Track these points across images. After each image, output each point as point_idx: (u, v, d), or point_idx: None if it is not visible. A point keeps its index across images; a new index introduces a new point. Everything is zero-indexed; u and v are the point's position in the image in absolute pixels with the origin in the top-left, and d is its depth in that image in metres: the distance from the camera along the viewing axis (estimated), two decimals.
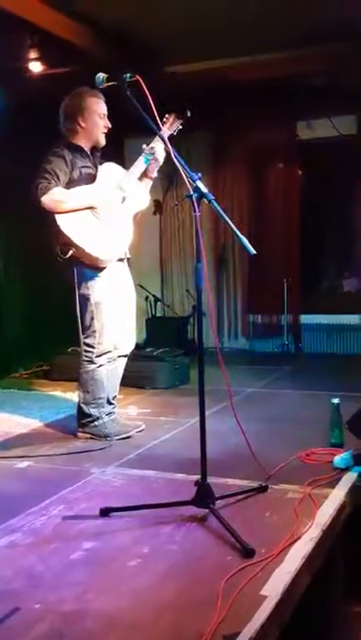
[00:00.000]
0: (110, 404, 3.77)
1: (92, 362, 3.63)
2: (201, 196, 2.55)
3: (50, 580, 2.08)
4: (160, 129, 2.78)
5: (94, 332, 3.60)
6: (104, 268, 3.55)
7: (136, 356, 5.97)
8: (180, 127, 3.64)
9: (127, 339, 3.79)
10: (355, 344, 6.83)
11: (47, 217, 3.44)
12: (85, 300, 3.57)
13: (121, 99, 2.66)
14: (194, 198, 2.54)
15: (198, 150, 6.77)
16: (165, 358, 5.28)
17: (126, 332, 3.78)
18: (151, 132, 2.82)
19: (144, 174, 3.69)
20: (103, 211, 3.49)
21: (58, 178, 3.43)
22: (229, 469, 2.98)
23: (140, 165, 3.64)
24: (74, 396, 4.86)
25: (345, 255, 7.29)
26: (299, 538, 2.27)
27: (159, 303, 7.21)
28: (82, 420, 3.69)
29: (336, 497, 2.65)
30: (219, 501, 2.51)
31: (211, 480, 2.50)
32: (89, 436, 3.65)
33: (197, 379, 2.56)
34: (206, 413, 2.58)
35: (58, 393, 5.03)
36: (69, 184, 3.50)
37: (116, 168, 3.68)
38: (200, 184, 2.56)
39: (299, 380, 5.37)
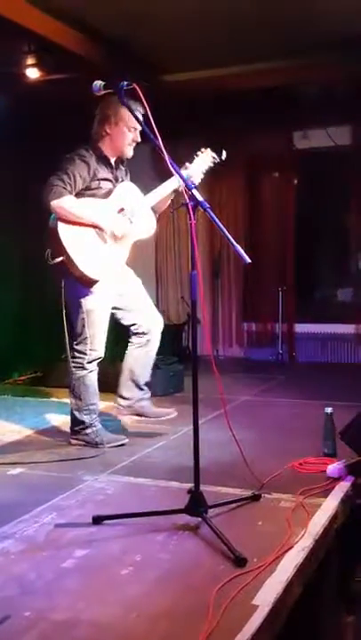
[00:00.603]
0: (141, 389, 3.78)
1: (83, 368, 3.62)
2: (197, 204, 2.56)
3: (41, 588, 2.07)
4: (157, 137, 2.79)
5: (85, 338, 3.58)
6: (93, 282, 3.49)
7: None
8: (212, 166, 3.65)
9: (154, 322, 3.78)
10: (349, 354, 6.84)
11: (48, 217, 3.42)
12: (77, 306, 3.55)
13: None
14: (189, 206, 2.55)
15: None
16: (160, 365, 5.27)
17: (150, 315, 3.78)
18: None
19: (164, 200, 3.67)
20: (107, 232, 3.49)
21: (74, 183, 3.39)
22: (223, 478, 2.98)
23: (168, 185, 3.60)
24: (68, 403, 4.87)
25: (340, 264, 7.31)
26: (291, 547, 2.27)
27: None
28: (74, 427, 3.68)
29: (329, 506, 2.65)
30: (211, 510, 2.51)
31: (204, 488, 2.50)
32: (82, 443, 3.64)
33: (192, 387, 2.56)
34: (200, 422, 2.58)
35: (52, 399, 5.03)
36: (85, 190, 3.47)
37: (133, 190, 3.64)
38: (196, 192, 2.57)
39: (293, 390, 5.37)
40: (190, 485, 2.50)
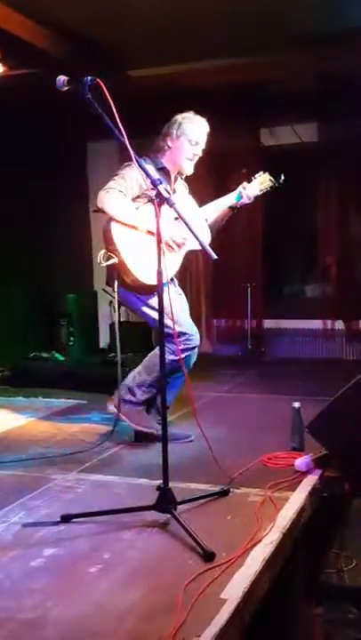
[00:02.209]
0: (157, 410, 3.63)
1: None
2: (163, 200, 2.55)
3: (9, 587, 2.05)
4: (122, 132, 2.77)
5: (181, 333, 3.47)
6: (146, 288, 3.40)
7: (100, 362, 5.96)
8: (268, 190, 3.77)
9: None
10: (317, 349, 6.92)
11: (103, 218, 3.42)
12: (147, 313, 3.51)
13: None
14: (155, 203, 2.54)
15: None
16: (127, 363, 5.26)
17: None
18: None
19: (220, 216, 3.76)
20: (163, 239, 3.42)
21: (130, 187, 3.37)
22: (192, 474, 2.98)
23: (225, 201, 3.71)
24: (36, 402, 4.84)
25: (308, 261, 7.38)
26: (259, 541, 2.29)
27: (123, 307, 7.16)
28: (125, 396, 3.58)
29: (296, 500, 2.68)
30: (181, 506, 2.51)
31: (173, 485, 2.50)
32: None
33: (161, 384, 2.56)
34: (169, 418, 2.58)
35: (19, 398, 4.98)
36: (140, 198, 3.44)
37: (189, 201, 3.65)
38: (162, 189, 2.56)
39: (261, 385, 5.42)
40: (159, 482, 2.50)
